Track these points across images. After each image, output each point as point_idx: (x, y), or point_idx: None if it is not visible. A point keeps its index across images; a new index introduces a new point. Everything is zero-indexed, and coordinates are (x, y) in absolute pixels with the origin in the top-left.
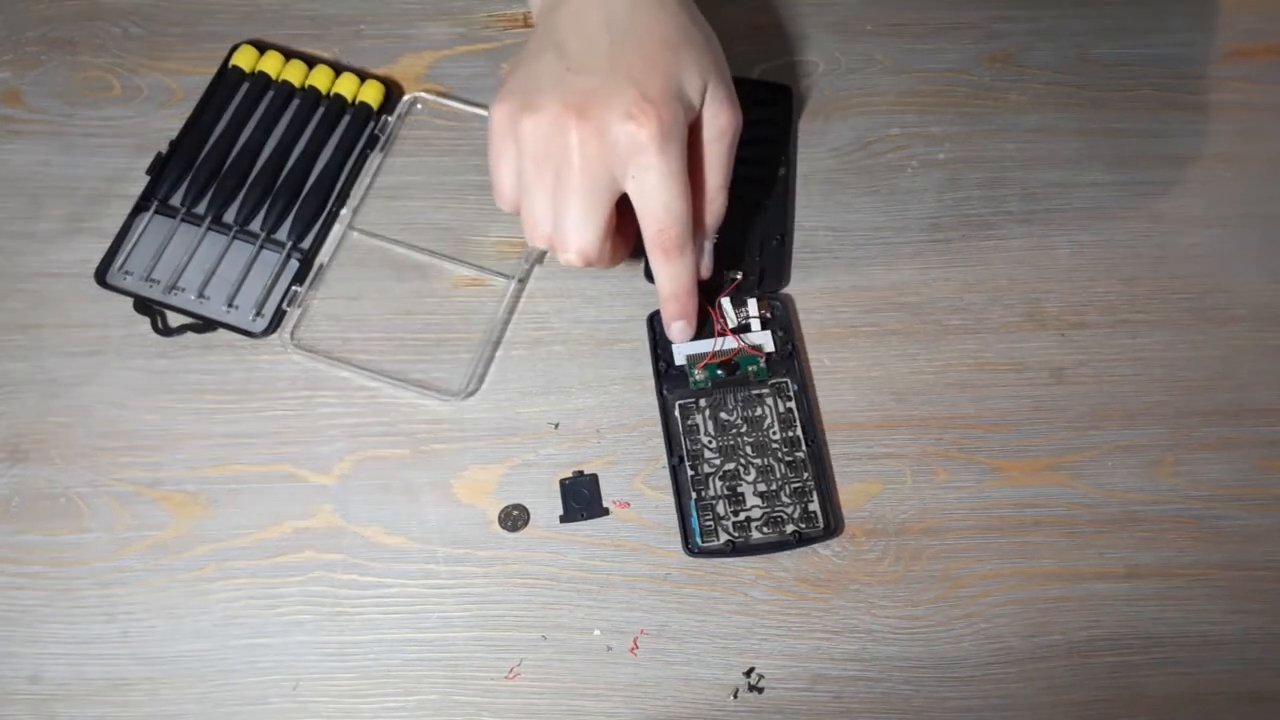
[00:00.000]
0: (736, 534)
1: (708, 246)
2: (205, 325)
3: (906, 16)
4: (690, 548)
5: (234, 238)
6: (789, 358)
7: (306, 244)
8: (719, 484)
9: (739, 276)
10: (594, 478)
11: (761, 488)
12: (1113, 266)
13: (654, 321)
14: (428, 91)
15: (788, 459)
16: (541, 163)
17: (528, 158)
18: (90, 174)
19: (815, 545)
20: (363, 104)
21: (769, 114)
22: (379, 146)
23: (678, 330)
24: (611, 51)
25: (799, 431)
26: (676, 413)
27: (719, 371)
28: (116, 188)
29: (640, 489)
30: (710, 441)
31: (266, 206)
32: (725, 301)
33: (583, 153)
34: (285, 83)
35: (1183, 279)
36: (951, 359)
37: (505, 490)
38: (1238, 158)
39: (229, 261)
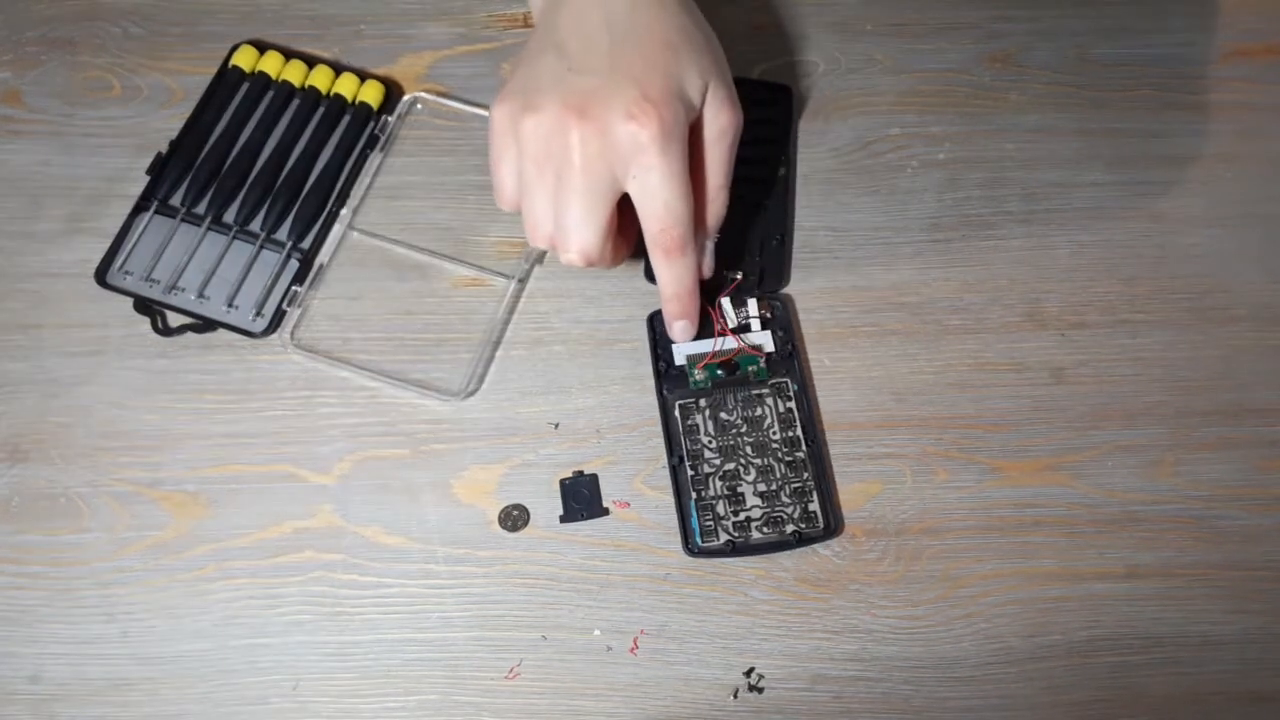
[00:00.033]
0: (736, 534)
1: (709, 246)
2: (205, 325)
3: (906, 16)
4: (690, 548)
5: (234, 238)
6: (789, 358)
7: (306, 244)
8: (719, 484)
9: (739, 276)
10: (594, 478)
11: (761, 488)
12: (1113, 266)
13: (654, 321)
14: (428, 91)
15: (788, 459)
16: (543, 163)
17: (529, 158)
18: (90, 174)
19: (815, 545)
20: (363, 104)
21: (769, 114)
22: (379, 146)
23: (680, 330)
24: (612, 51)
25: (799, 431)
26: (676, 413)
27: (719, 371)
28: (116, 188)
29: (640, 489)
30: (710, 441)
31: (266, 206)
32: (725, 301)
33: (584, 153)
34: (285, 83)
35: (1183, 279)
36: (951, 359)
37: (505, 490)
38: (1238, 158)
39: (229, 261)
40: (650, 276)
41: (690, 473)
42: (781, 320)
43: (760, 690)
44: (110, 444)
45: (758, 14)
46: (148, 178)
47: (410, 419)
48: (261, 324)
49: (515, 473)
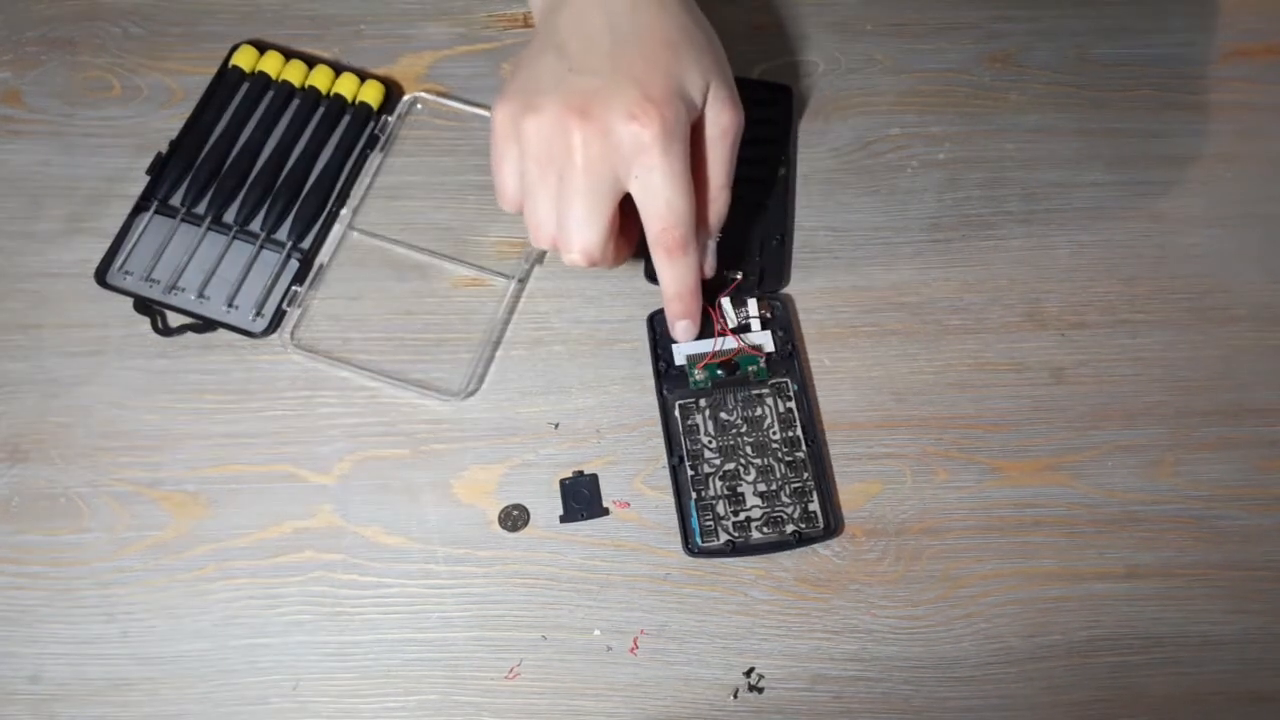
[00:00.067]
0: (736, 534)
1: (711, 245)
2: (205, 325)
3: (906, 16)
4: (690, 548)
5: (234, 238)
6: (789, 358)
7: (306, 244)
8: (719, 484)
9: (739, 276)
10: (594, 478)
11: (761, 488)
12: (1113, 266)
13: (654, 321)
14: (428, 91)
15: (788, 459)
16: (544, 164)
17: (531, 159)
18: (90, 174)
19: (815, 545)
20: (363, 104)
21: (769, 114)
22: (379, 146)
23: (682, 330)
24: (613, 52)
25: (799, 431)
26: (676, 413)
27: (719, 371)
28: (116, 188)
29: (640, 489)
30: (710, 441)
31: (266, 206)
32: (725, 301)
33: (586, 153)
34: (285, 83)
35: (1183, 279)
36: (951, 359)
37: (505, 490)
38: (1238, 158)
39: (229, 261)
40: (651, 277)
41: (690, 473)
42: (781, 320)
43: (760, 690)
44: (110, 444)
45: (758, 14)
46: (148, 178)
47: (410, 419)
48: (261, 324)
49: (515, 473)
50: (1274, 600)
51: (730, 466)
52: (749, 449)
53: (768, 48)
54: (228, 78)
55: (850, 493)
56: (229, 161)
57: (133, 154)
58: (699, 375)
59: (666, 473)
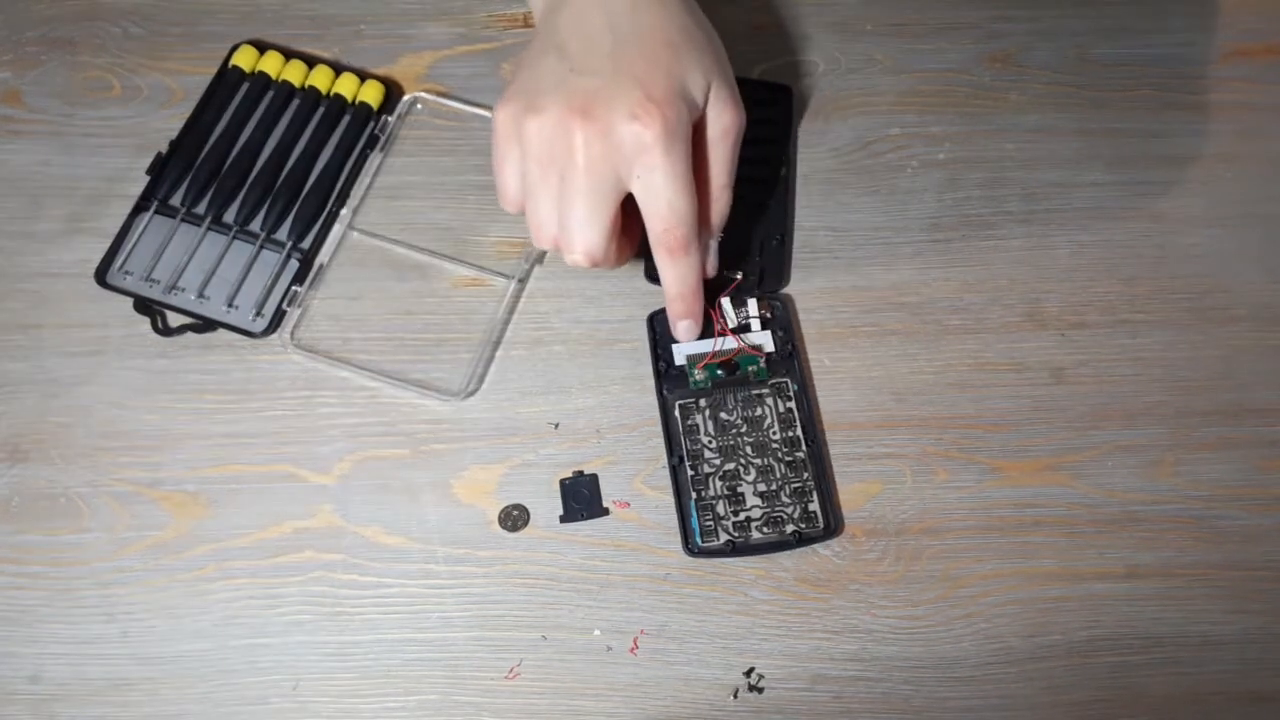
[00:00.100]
0: (736, 534)
1: (712, 245)
2: (205, 325)
3: (906, 16)
4: (690, 548)
5: (234, 238)
6: (789, 358)
7: (306, 244)
8: (719, 484)
9: (739, 276)
10: (594, 478)
11: (761, 488)
12: (1113, 266)
13: (654, 321)
14: (428, 91)
15: (788, 459)
16: (546, 164)
17: (532, 159)
18: (90, 174)
19: (815, 545)
20: (363, 104)
21: (769, 114)
22: (379, 146)
23: (684, 330)
24: (614, 52)
25: (799, 431)
26: (676, 413)
27: (719, 371)
28: (116, 188)
29: (640, 489)
30: (710, 441)
31: (266, 206)
32: (725, 301)
33: (587, 153)
34: (285, 83)
35: (1183, 279)
36: (951, 359)
37: (505, 490)
38: (1238, 158)
39: (229, 261)
40: (651, 277)
41: (690, 473)
42: (781, 320)
43: (760, 690)
44: (110, 444)
45: (758, 14)
46: (148, 178)
47: (410, 419)
48: (261, 324)
49: (515, 473)
50: (1274, 600)
51: (730, 466)
52: (749, 449)
53: (768, 48)
54: (228, 78)
55: (850, 493)
56: (229, 161)
57: (133, 154)
58: (699, 375)
59: (666, 473)
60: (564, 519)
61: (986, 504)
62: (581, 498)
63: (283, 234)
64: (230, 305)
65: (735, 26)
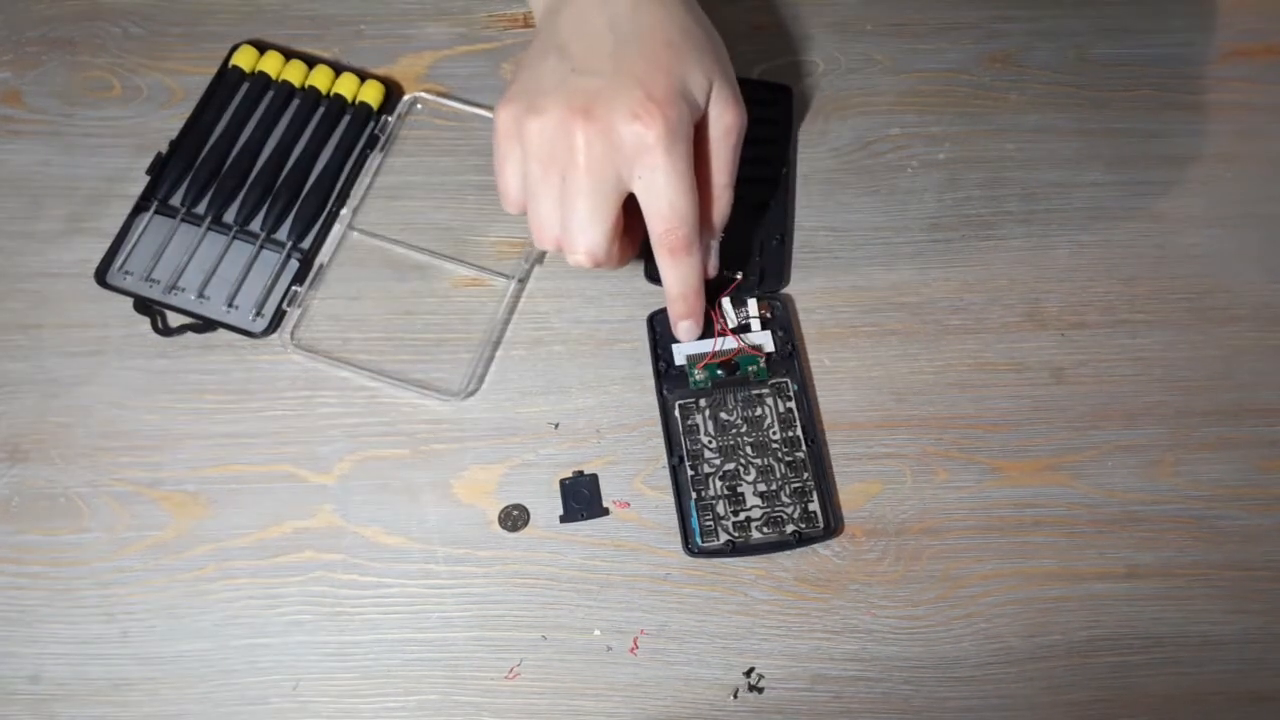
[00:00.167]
0: (736, 534)
1: (713, 245)
2: (205, 325)
3: (906, 16)
4: (690, 548)
5: (234, 238)
6: (789, 358)
7: (306, 244)
8: (719, 484)
9: (739, 276)
10: (594, 478)
11: (761, 488)
12: (1113, 266)
13: (654, 321)
14: (428, 91)
15: (788, 459)
16: (548, 165)
17: (534, 160)
18: (90, 174)
19: (815, 545)
20: (363, 104)
21: (769, 114)
22: (379, 146)
23: (685, 330)
24: (615, 52)
25: (799, 431)
26: (676, 413)
27: (719, 371)
28: (116, 188)
29: (640, 489)
30: (710, 441)
31: (266, 206)
32: (725, 301)
33: (589, 154)
34: (285, 83)
35: (1183, 279)
36: (951, 359)
37: (505, 490)
38: (1238, 158)
39: (229, 261)
40: (652, 277)
41: (690, 473)
42: (781, 320)
43: (760, 690)
44: (110, 444)
45: (758, 14)
46: (148, 178)
47: (410, 419)
48: (261, 324)
49: (515, 473)
50: (1274, 600)
51: (730, 466)
52: (749, 449)
53: (768, 48)
54: (228, 78)
55: (850, 493)
56: (229, 161)
57: (133, 154)
58: (699, 375)
59: (666, 473)
60: (564, 519)
61: (986, 504)
62: (581, 498)
63: (283, 234)
64: (230, 305)
65: (735, 26)
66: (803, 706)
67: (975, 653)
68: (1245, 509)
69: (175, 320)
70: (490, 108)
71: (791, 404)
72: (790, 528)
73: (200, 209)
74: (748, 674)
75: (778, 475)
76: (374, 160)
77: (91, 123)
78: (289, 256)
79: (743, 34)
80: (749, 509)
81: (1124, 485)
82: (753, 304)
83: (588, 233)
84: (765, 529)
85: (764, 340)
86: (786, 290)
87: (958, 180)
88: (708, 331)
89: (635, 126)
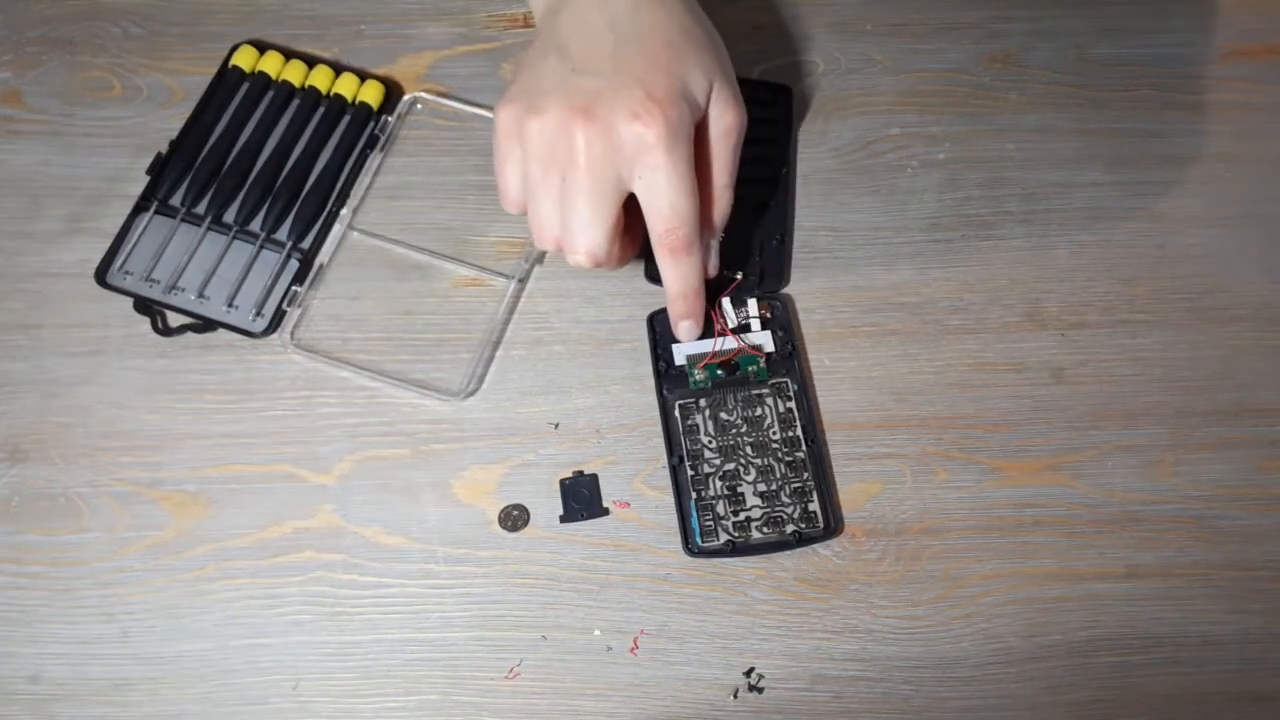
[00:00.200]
0: (736, 534)
1: (714, 245)
2: (205, 325)
3: (906, 16)
4: (690, 548)
5: (234, 238)
6: (789, 358)
7: (306, 244)
8: (719, 484)
9: (739, 276)
10: (594, 478)
11: (761, 488)
12: (1113, 266)
13: (654, 321)
14: (428, 91)
15: (788, 459)
16: (548, 165)
17: (534, 160)
18: (90, 174)
19: (815, 545)
20: (363, 104)
21: (769, 114)
22: (379, 146)
23: (685, 330)
24: (615, 52)
25: (799, 431)
26: (676, 413)
27: (719, 371)
28: (116, 188)
29: (640, 489)
30: (710, 441)
31: (266, 206)
32: (725, 301)
33: (589, 154)
34: (285, 83)
35: (1183, 279)
36: (951, 359)
37: (505, 490)
38: (1238, 158)
39: (229, 261)
40: (652, 277)
41: (690, 473)
42: (781, 320)
43: (760, 690)
44: (110, 444)
45: (758, 14)
46: (148, 178)
47: (410, 419)
48: (261, 324)
49: (515, 473)
50: (1274, 600)
51: (730, 466)
52: (749, 449)
53: (768, 48)
54: (228, 78)
55: (850, 493)
56: (229, 161)
57: (133, 154)
58: (699, 375)
59: (666, 473)
60: (564, 519)
61: (986, 504)
62: (581, 498)
63: (283, 234)
64: (230, 305)
65: (735, 26)
66: (803, 706)
67: (975, 653)
68: (1245, 509)
69: (175, 320)
70: (490, 108)
71: (791, 404)
72: (790, 528)
73: (200, 209)
74: (748, 674)
75: (778, 475)
76: (374, 160)
77: (91, 123)
78: (289, 256)
79: (743, 34)
80: (749, 509)
81: (1124, 485)
82: (753, 304)
83: (588, 233)
84: (765, 529)
85: (764, 340)
86: (786, 290)
87: (958, 180)
88: (708, 331)
89: (636, 126)
